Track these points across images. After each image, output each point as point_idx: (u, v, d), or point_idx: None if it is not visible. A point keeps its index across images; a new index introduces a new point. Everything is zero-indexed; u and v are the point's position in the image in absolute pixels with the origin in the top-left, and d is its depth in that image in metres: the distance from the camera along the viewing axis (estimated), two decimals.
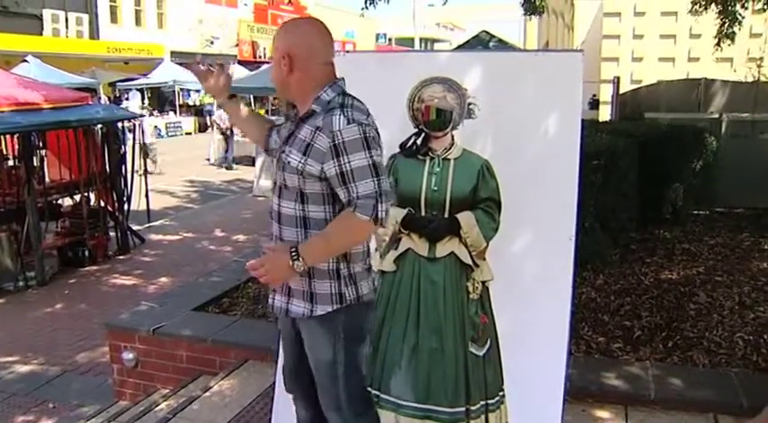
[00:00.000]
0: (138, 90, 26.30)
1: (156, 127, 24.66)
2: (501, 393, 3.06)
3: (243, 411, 3.78)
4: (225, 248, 9.13)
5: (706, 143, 7.54)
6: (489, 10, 52.24)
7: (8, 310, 7.31)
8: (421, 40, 48.25)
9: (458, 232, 3.04)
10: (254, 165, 14.26)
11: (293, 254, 2.15)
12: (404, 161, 3.10)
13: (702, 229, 7.08)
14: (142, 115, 13.86)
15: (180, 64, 27.95)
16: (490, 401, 3.05)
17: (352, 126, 2.13)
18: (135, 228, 9.83)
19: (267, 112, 24.32)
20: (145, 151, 16.59)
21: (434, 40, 59.35)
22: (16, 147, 8.56)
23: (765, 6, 7.42)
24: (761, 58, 10.15)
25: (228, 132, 17.64)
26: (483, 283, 3.06)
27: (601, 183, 5.24)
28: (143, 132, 11.43)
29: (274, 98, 20.03)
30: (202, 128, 26.64)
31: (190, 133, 26.63)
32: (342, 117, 2.13)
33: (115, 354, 4.82)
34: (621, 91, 12.05)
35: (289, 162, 2.20)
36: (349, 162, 2.11)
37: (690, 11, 8.62)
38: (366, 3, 7.39)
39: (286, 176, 2.23)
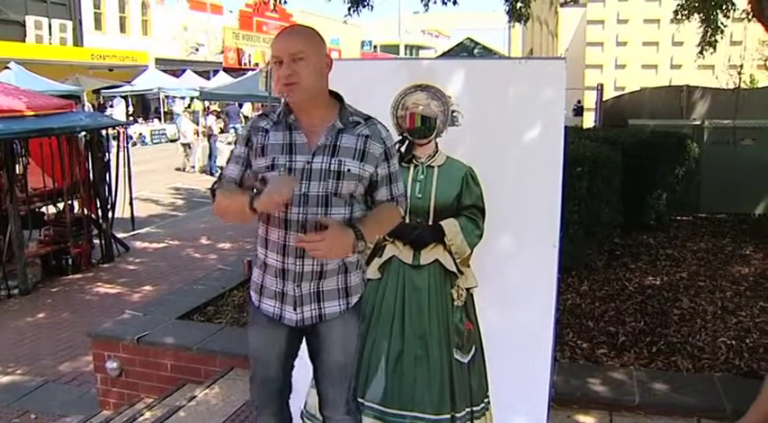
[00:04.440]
0: (122, 97, 26.17)
1: (140, 134, 24.58)
2: (486, 400, 3.07)
3: (228, 420, 3.76)
4: (210, 256, 9.08)
5: (688, 150, 7.61)
6: (474, 18, 52.52)
7: None
8: (406, 47, 48.44)
9: (442, 239, 3.06)
10: None
11: (358, 233, 2.22)
12: None
13: (685, 234, 7.15)
14: (127, 123, 13.78)
15: (165, 71, 27.91)
16: (475, 408, 3.06)
17: (390, 134, 2.42)
18: (119, 236, 9.76)
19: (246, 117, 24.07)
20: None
21: (420, 47, 59.57)
22: None
23: (745, 15, 7.53)
24: (741, 66, 10.27)
25: (214, 139, 17.65)
26: (467, 289, 3.07)
27: (585, 189, 5.27)
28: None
29: (262, 105, 19.94)
30: None
31: (174, 140, 26.49)
32: (381, 126, 2.38)
33: (99, 363, 4.78)
34: (605, 98, 12.15)
35: (348, 170, 2.27)
36: (394, 165, 2.41)
37: (673, 19, 8.72)
38: (349, 10, 7.40)
39: (343, 184, 2.27)
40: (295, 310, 2.35)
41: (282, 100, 2.34)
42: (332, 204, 2.28)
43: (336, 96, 2.36)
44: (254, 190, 2.28)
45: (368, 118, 2.36)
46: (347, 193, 2.29)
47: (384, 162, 2.35)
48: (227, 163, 2.41)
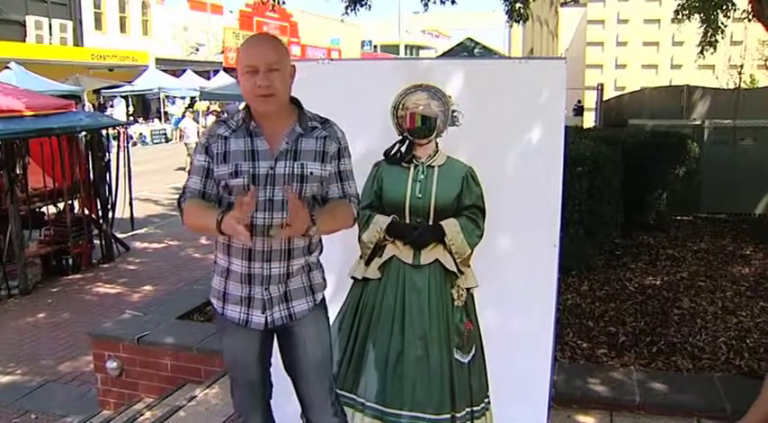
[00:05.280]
0: (122, 97, 26.19)
1: (141, 134, 24.60)
2: (486, 400, 3.07)
3: (228, 420, 3.75)
4: (210, 256, 8.98)
5: (689, 149, 7.61)
6: (474, 18, 52.51)
7: None
8: (406, 47, 48.43)
9: (442, 239, 3.05)
10: None
11: (313, 217, 2.21)
12: (388, 169, 3.11)
13: (685, 234, 7.15)
14: (128, 123, 13.75)
15: (165, 71, 27.91)
16: (475, 408, 3.06)
17: (345, 135, 2.43)
18: (119, 236, 9.76)
19: None
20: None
21: (420, 47, 59.64)
22: None
23: (746, 15, 7.53)
24: (741, 66, 10.28)
25: None
26: (468, 289, 3.07)
27: (585, 189, 5.27)
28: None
29: None
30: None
31: (171, 140, 26.48)
32: (338, 128, 2.42)
33: (99, 363, 4.78)
34: (605, 98, 12.16)
35: (311, 173, 2.31)
36: (346, 164, 2.42)
37: (673, 19, 8.73)
38: (347, 9, 7.38)
39: (306, 187, 2.30)
40: (263, 312, 2.37)
41: (243, 106, 2.37)
42: None
43: (295, 102, 2.39)
44: (221, 203, 2.32)
45: (325, 121, 2.41)
46: (310, 196, 2.33)
47: (336, 160, 2.38)
48: (189, 174, 2.40)
